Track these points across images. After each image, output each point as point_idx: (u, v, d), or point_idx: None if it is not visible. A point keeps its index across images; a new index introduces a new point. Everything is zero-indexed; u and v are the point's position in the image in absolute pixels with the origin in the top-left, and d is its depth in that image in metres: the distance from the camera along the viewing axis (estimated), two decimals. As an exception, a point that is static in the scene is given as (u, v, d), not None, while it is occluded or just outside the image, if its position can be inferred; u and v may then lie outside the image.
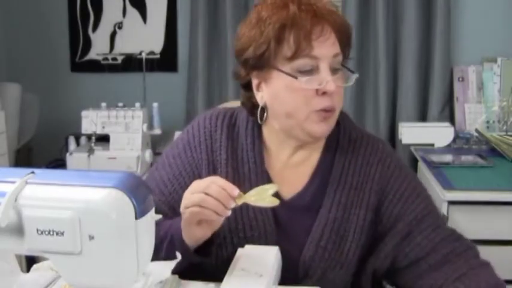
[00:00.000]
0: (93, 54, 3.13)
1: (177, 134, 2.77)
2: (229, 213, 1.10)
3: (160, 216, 0.90)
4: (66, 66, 3.16)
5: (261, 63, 1.19)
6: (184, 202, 1.13)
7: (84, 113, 2.69)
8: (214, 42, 2.97)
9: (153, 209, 0.88)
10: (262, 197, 1.12)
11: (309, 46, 1.15)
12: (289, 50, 1.16)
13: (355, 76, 1.22)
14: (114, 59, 3.12)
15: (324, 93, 1.17)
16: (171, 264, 1.11)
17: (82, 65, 3.14)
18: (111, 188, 0.82)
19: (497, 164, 2.36)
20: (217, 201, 1.09)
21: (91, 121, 2.67)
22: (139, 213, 0.83)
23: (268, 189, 1.13)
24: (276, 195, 1.13)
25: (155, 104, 2.81)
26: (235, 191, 1.10)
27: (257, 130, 1.30)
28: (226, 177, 1.24)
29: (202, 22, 2.93)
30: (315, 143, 1.28)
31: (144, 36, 3.09)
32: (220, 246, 1.24)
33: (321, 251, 1.22)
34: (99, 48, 3.13)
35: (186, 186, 1.26)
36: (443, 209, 2.03)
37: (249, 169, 1.28)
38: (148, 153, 2.69)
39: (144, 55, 3.08)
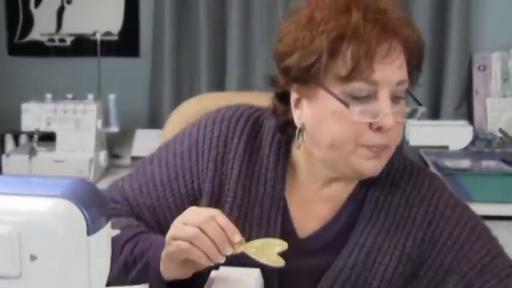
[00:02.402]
0: (36, 34, 3.11)
1: (139, 132, 2.77)
2: (222, 260, 1.09)
3: (118, 231, 0.90)
4: (3, 49, 3.13)
5: (306, 78, 1.14)
6: (173, 232, 1.11)
7: (24, 106, 2.66)
8: (184, 21, 2.96)
9: (109, 223, 0.88)
10: (265, 252, 1.13)
11: (370, 68, 1.09)
12: (344, 67, 1.10)
13: (421, 110, 1.17)
14: (62, 40, 3.11)
15: (379, 128, 1.11)
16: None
17: (22, 47, 3.12)
18: (57, 197, 0.81)
19: (525, 171, 2.37)
20: (212, 243, 1.07)
21: (33, 116, 2.65)
22: (93, 228, 0.82)
23: (276, 245, 1.14)
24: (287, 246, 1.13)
25: (112, 96, 2.80)
26: (237, 236, 1.09)
27: (285, 146, 1.27)
28: (234, 197, 1.25)
29: (170, -4, 2.93)
30: (359, 179, 1.23)
31: (98, 13, 3.08)
32: (206, 278, 1.19)
33: None
34: (43, 27, 3.10)
35: (179, 194, 1.26)
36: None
37: (264, 192, 1.25)
38: (103, 155, 2.68)
39: (98, 36, 3.06)
